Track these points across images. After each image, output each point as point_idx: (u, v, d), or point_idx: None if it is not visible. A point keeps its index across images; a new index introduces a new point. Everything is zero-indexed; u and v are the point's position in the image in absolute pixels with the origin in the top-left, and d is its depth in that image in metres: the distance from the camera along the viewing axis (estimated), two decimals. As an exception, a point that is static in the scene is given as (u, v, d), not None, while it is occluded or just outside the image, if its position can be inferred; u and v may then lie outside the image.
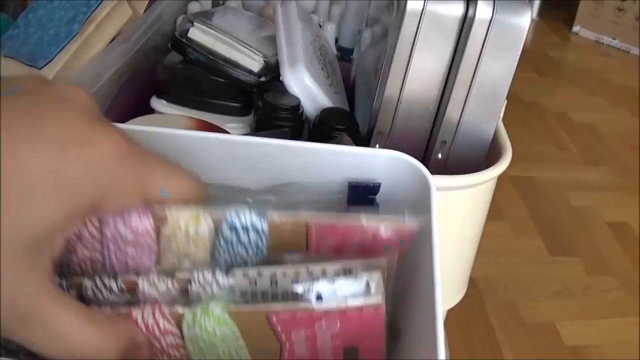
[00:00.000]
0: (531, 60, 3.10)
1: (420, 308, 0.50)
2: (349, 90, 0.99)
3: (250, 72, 0.87)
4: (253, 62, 0.86)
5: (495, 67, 0.75)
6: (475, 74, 0.76)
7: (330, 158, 0.59)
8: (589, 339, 1.68)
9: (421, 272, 0.51)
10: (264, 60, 0.87)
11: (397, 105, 0.78)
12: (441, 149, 0.79)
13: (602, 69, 3.20)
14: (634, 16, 3.36)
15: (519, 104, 2.69)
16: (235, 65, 0.86)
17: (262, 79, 0.87)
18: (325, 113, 0.83)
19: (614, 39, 3.45)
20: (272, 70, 0.88)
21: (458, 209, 0.76)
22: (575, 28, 3.56)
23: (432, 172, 0.70)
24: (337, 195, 0.59)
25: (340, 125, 0.80)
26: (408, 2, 0.72)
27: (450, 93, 0.77)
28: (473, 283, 1.77)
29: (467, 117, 0.78)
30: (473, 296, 1.74)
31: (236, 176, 0.58)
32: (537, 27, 3.61)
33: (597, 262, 1.94)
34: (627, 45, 3.40)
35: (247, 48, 0.86)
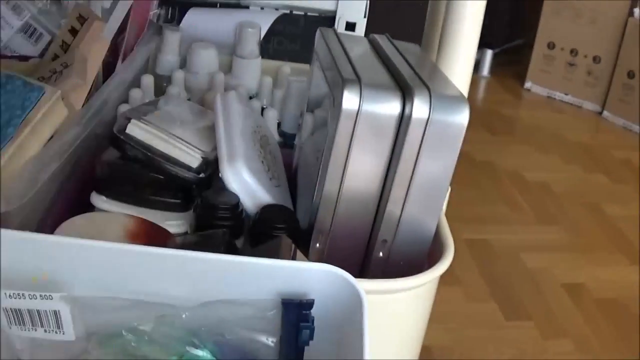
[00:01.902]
0: (483, 119, 3.13)
1: None
2: (292, 179, 0.99)
3: (189, 168, 0.86)
4: (191, 159, 0.86)
5: (434, 165, 0.75)
6: (414, 173, 0.75)
7: (262, 272, 0.59)
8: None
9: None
10: (202, 157, 0.86)
11: (336, 203, 0.77)
12: (382, 247, 0.78)
13: (555, 125, 3.24)
14: (585, 70, 3.42)
15: (472, 164, 2.71)
16: (174, 161, 0.86)
17: (202, 175, 0.87)
18: (265, 211, 0.82)
19: (566, 94, 3.50)
20: (212, 165, 0.88)
21: (399, 310, 0.76)
22: (527, 84, 3.62)
23: (373, 271, 0.70)
24: (269, 312, 0.58)
25: (279, 224, 0.79)
26: (343, 102, 0.72)
27: (390, 191, 0.77)
28: (427, 351, 1.76)
29: (408, 215, 0.77)
30: (427, 365, 1.73)
31: (165, 289, 0.58)
32: (488, 85, 3.66)
33: (552, 325, 1.93)
34: (579, 100, 3.45)
35: (184, 145, 0.86)
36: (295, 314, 0.58)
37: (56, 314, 0.59)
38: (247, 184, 0.84)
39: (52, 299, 0.59)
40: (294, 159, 1.04)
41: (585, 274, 2.17)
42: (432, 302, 0.81)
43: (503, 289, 2.05)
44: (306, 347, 0.61)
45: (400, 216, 0.77)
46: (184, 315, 0.59)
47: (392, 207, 0.76)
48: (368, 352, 0.50)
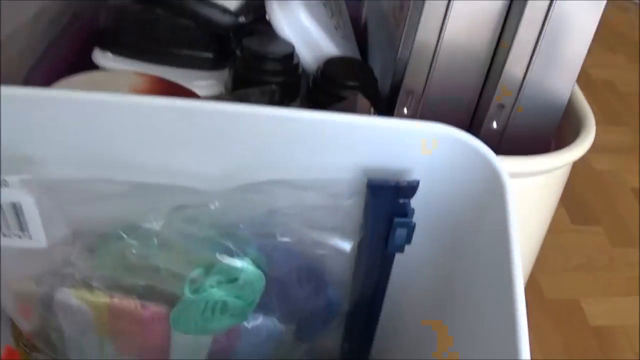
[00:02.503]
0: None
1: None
2: (359, 38, 0.78)
3: (226, 10, 0.66)
4: (229, -2, 0.65)
5: (579, 2, 0.54)
6: (550, 11, 0.53)
7: (338, 135, 0.37)
8: (615, 319, 1.49)
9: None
10: (243, -4, 0.66)
11: (434, 54, 0.56)
12: (497, 115, 0.57)
13: (621, 23, 2.99)
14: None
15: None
16: (206, 1, 0.65)
17: (242, 19, 0.67)
18: (331, 64, 0.62)
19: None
20: (255, 8, 0.68)
21: (525, 201, 0.55)
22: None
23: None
24: (347, 200, 0.37)
25: (352, 80, 0.59)
26: None
27: (513, 38, 0.55)
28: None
29: (535, 73, 0.56)
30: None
31: (185, 166, 0.38)
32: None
33: (621, 232, 1.75)
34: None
35: (221, -22, 0.65)
36: (388, 202, 0.37)
37: (15, 207, 0.39)
38: (305, 30, 0.64)
39: (7, 185, 0.38)
40: (362, 13, 0.82)
41: (656, 178, 1.97)
42: (559, 195, 0.61)
43: (571, 192, 1.85)
44: (399, 255, 0.41)
45: (525, 73, 0.55)
46: (212, 206, 0.38)
47: (515, 60, 0.55)
48: (519, 267, 0.30)
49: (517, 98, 0.57)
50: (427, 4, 0.54)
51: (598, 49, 2.67)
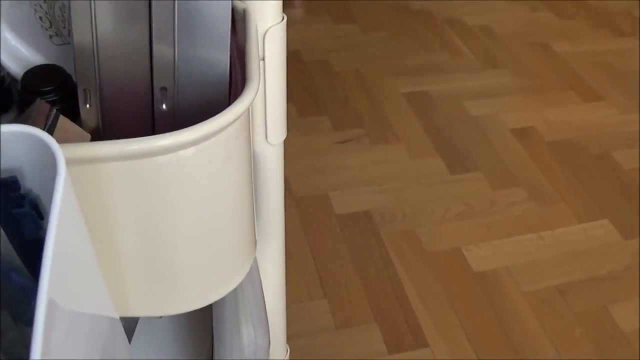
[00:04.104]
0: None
1: None
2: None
3: None
4: None
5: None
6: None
7: None
8: (498, 262, 1.52)
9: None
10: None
11: (94, 51, 0.56)
12: (164, 97, 0.58)
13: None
14: None
15: (407, 13, 2.50)
16: None
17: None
18: (28, 73, 0.62)
19: None
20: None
21: (194, 175, 0.54)
22: None
23: (159, 129, 0.52)
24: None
25: (46, 86, 0.59)
26: None
27: (150, 20, 0.56)
28: (367, 216, 1.61)
29: (185, 49, 0.56)
30: (367, 231, 1.57)
31: None
32: None
33: (502, 174, 1.78)
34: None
35: None
36: (5, 199, 0.40)
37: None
38: (6, 42, 0.64)
39: None
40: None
41: (536, 117, 2.00)
42: (243, 161, 0.59)
43: (447, 141, 1.88)
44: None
45: (174, 51, 0.56)
46: None
47: (160, 41, 0.56)
48: (52, 242, 0.32)
49: (174, 77, 0.57)
50: (73, 7, 0.55)
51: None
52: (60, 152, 0.35)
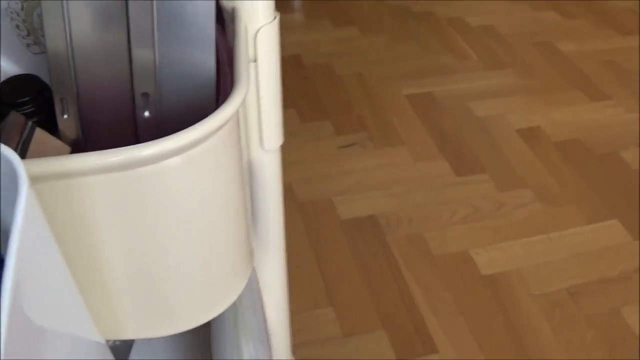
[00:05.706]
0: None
1: None
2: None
3: None
4: None
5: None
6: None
7: None
8: (507, 264, 1.49)
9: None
10: None
11: (69, 56, 0.53)
12: (145, 104, 0.55)
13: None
14: None
15: (409, 15, 2.47)
16: None
17: None
18: (4, 84, 0.59)
19: None
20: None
21: (181, 186, 0.51)
22: None
23: (142, 137, 0.49)
24: None
25: (22, 97, 0.57)
26: None
27: (128, 22, 0.52)
28: (372, 221, 1.59)
29: (165, 53, 0.53)
30: (373, 236, 1.54)
31: None
32: None
33: (508, 176, 1.75)
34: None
35: None
36: None
37: None
38: None
39: None
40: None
41: (542, 117, 1.97)
42: (234, 169, 0.55)
43: (453, 143, 1.86)
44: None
45: (154, 55, 0.53)
46: None
47: (138, 45, 0.53)
48: (12, 266, 0.30)
49: (156, 82, 0.54)
50: (44, 11, 0.52)
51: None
52: (21, 167, 0.32)
